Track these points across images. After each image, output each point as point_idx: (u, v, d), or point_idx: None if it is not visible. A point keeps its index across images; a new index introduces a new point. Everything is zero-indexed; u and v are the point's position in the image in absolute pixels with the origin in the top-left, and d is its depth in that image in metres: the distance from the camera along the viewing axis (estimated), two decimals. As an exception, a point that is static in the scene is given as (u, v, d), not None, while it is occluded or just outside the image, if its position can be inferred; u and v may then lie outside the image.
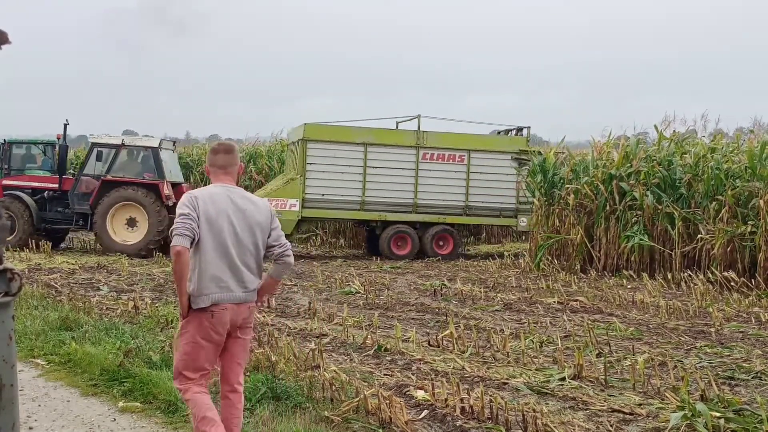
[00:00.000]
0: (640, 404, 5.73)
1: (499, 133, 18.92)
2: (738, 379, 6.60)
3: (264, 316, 9.15)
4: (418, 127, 17.57)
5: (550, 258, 14.95)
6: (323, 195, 17.12)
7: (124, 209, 16.35)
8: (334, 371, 5.96)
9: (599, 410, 5.58)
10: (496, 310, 10.20)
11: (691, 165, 14.55)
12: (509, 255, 17.29)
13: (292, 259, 4.44)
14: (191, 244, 4.06)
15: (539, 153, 18.19)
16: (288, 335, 7.89)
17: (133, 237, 16.30)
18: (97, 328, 7.88)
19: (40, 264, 14.00)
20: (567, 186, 15.32)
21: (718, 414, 5.21)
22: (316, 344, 7.18)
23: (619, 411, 5.55)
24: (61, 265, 14.03)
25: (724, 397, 5.69)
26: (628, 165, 14.90)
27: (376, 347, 7.48)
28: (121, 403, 5.67)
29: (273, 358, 6.34)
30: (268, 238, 4.31)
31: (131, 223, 16.40)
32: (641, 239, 13.85)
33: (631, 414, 5.50)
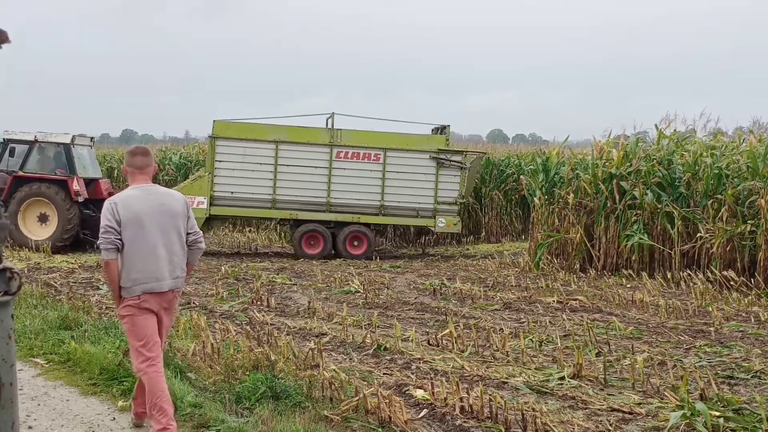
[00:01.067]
0: (639, 403, 5.73)
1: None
2: (737, 378, 6.60)
3: (263, 315, 9.16)
4: (332, 125, 17.29)
5: (549, 257, 14.94)
6: (232, 193, 16.89)
7: (35, 205, 16.50)
8: (334, 370, 5.96)
9: (598, 409, 5.59)
10: (496, 310, 10.20)
11: (690, 164, 14.54)
12: (509, 254, 17.29)
13: (203, 245, 5.11)
14: (118, 251, 4.69)
15: (461, 152, 17.75)
16: (287, 334, 7.90)
17: (45, 232, 16.43)
18: (96, 327, 7.88)
19: (39, 263, 14.01)
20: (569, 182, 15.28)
21: (717, 413, 5.22)
22: (315, 343, 7.19)
23: (618, 410, 5.56)
24: (60, 264, 14.04)
25: (723, 396, 5.70)
26: (628, 164, 14.90)
27: (375, 346, 7.49)
28: (120, 402, 5.67)
29: (272, 357, 6.34)
30: (186, 225, 4.94)
31: (43, 218, 16.56)
32: (641, 238, 13.85)
33: (630, 413, 5.50)
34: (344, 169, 17.12)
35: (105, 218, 4.68)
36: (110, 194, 17.19)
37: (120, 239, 4.66)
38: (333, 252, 17.13)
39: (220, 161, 16.92)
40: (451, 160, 17.32)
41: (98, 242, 4.74)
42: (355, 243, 17.18)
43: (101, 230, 4.69)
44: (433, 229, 18.01)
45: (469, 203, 19.37)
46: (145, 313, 4.77)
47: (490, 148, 29.18)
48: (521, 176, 19.74)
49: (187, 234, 4.95)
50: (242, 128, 17.19)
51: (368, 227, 17.35)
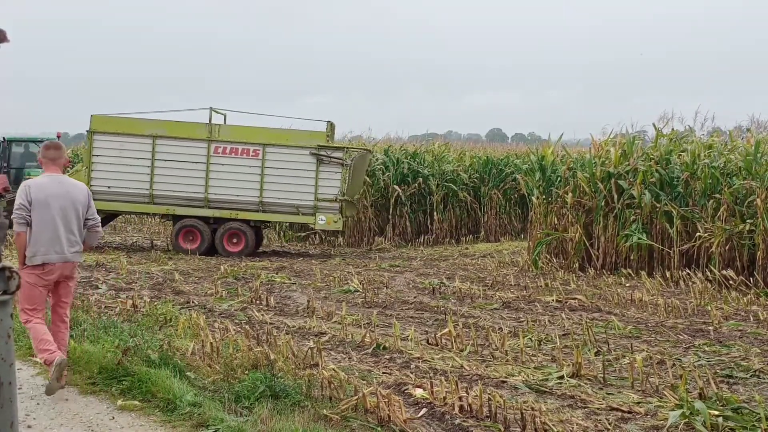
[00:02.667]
0: (638, 402, 5.73)
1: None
2: (736, 377, 6.60)
3: (262, 315, 9.16)
4: (210, 120, 17.17)
5: (548, 256, 14.94)
6: (109, 187, 16.86)
7: None
8: (333, 370, 5.96)
9: (598, 408, 5.59)
10: (495, 309, 10.20)
11: (689, 163, 14.54)
12: (508, 253, 17.28)
13: (100, 229, 6.24)
14: (27, 225, 5.76)
15: (342, 149, 17.38)
16: (287, 333, 7.90)
17: None
18: (95, 326, 7.87)
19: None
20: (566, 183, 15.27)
21: (716, 412, 5.22)
22: (314, 343, 7.19)
23: (617, 409, 5.56)
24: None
25: (722, 395, 5.70)
26: (626, 163, 14.89)
27: (374, 346, 7.49)
28: (119, 402, 5.66)
29: (272, 357, 6.34)
30: (86, 212, 6.03)
31: None
32: (640, 238, 13.85)
33: (629, 412, 5.50)
34: (222, 164, 17.01)
35: (19, 197, 5.77)
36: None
37: (30, 216, 5.75)
38: (213, 248, 16.93)
39: (97, 155, 16.88)
40: (331, 157, 17.06)
41: (13, 216, 5.73)
42: (234, 240, 17.06)
43: (15, 207, 5.76)
44: (313, 226, 17.84)
45: (356, 201, 18.46)
46: (43, 286, 5.89)
47: (488, 147, 29.20)
48: (518, 174, 19.67)
49: (86, 219, 6.05)
50: (120, 123, 17.11)
51: (248, 224, 17.21)
